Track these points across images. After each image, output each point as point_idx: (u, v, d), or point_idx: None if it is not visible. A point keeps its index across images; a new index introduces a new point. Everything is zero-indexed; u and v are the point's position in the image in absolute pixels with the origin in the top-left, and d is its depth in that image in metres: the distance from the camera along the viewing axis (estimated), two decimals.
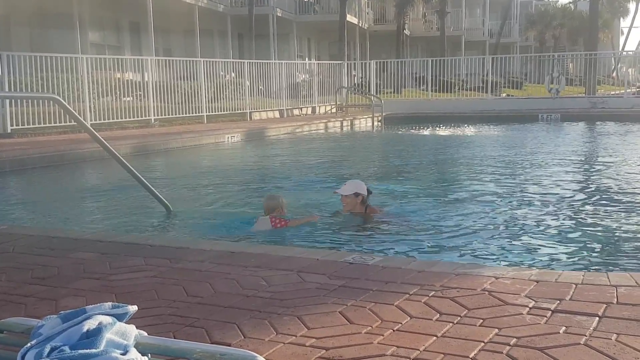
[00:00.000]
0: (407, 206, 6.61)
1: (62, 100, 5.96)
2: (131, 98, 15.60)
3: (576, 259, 4.56)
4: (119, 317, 1.30)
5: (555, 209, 6.29)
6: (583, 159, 11.27)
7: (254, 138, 14.99)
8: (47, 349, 1.18)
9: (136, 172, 5.79)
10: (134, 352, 1.20)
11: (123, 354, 1.17)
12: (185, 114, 16.83)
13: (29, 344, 1.23)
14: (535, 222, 5.71)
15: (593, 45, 28.12)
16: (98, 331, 1.21)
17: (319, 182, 8.75)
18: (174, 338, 2.46)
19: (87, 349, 1.16)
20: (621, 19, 59.02)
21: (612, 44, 55.76)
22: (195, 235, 5.47)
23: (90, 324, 1.23)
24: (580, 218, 5.95)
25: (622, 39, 64.12)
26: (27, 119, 12.72)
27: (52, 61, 13.48)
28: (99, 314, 1.28)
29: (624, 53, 41.08)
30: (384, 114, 19.87)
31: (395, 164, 11.05)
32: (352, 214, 5.79)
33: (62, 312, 1.33)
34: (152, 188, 5.89)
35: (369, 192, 5.79)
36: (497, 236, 5.22)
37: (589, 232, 5.34)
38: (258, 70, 19.83)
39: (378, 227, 5.57)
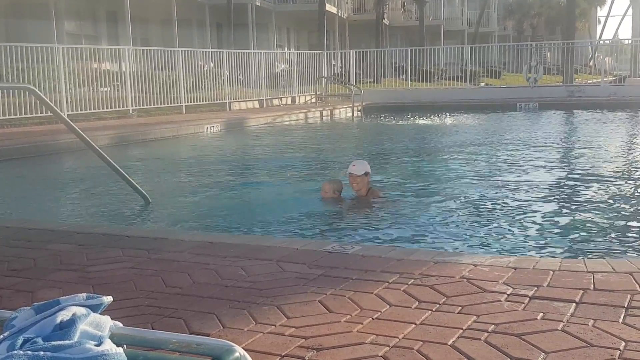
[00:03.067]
0: (386, 194, 6.62)
1: (38, 91, 5.87)
2: (108, 88, 15.43)
3: (553, 246, 4.60)
4: (94, 308, 1.28)
5: (533, 196, 6.34)
6: (560, 147, 11.37)
7: (234, 128, 14.92)
8: (19, 341, 1.16)
9: (114, 163, 5.73)
10: (108, 343, 1.18)
11: (97, 345, 1.15)
12: (164, 104, 16.69)
13: (1, 336, 1.21)
14: (513, 209, 5.76)
15: (570, 34, 28.33)
16: (72, 322, 1.19)
17: (299, 171, 8.74)
18: (152, 329, 2.44)
19: (60, 340, 1.14)
20: (598, 8, 59.50)
21: (589, 33, 56.23)
22: (174, 226, 5.44)
23: (63, 315, 1.21)
24: (558, 205, 6.01)
25: (599, 28, 64.68)
26: (3, 110, 12.53)
27: (28, 51, 13.29)
28: (73, 305, 1.26)
29: (601, 42, 41.40)
30: (363, 104, 19.88)
31: (374, 153, 11.06)
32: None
33: (35, 303, 1.31)
34: (130, 179, 5.84)
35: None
36: (475, 224, 5.26)
37: (566, 219, 5.40)
38: (237, 60, 19.71)
39: (358, 214, 5.58)
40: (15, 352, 1.12)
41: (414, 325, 2.45)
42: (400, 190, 7.05)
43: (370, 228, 5.15)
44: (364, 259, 3.36)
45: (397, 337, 2.35)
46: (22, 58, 13.17)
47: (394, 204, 5.96)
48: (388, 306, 2.67)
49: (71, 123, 5.72)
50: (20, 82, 12.39)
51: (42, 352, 1.11)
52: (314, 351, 2.26)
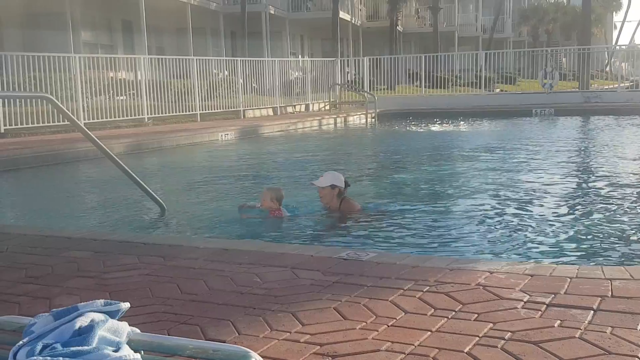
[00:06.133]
0: (401, 201, 6.61)
1: (55, 100, 5.93)
2: (124, 97, 15.56)
3: (571, 252, 4.57)
4: (112, 314, 1.30)
5: (549, 203, 6.30)
6: (577, 153, 11.29)
7: (248, 136, 14.97)
8: (39, 347, 1.17)
9: (130, 171, 5.77)
10: (126, 349, 1.19)
11: (115, 351, 1.16)
12: (179, 112, 16.80)
13: (20, 342, 1.22)
14: (529, 216, 5.72)
15: (586, 39, 28.17)
16: (90, 328, 1.20)
17: (312, 178, 8.73)
18: (168, 335, 2.45)
19: (79, 346, 1.16)
20: (614, 13, 59.16)
21: (605, 39, 55.90)
22: (189, 233, 5.46)
23: (82, 321, 1.23)
24: (575, 212, 5.96)
25: (615, 33, 64.33)
26: (21, 118, 12.67)
27: (45, 61, 13.44)
28: (91, 311, 1.28)
29: (617, 47, 41.14)
30: (377, 111, 19.88)
31: (389, 160, 11.05)
32: (327, 210, 5.73)
33: (54, 309, 1.32)
34: (146, 187, 5.87)
35: (347, 184, 5.71)
36: (491, 231, 5.23)
37: (583, 226, 5.35)
38: (251, 68, 19.80)
39: (371, 223, 5.57)
40: (35, 357, 1.13)
41: (429, 333, 2.44)
42: (414, 196, 7.03)
43: (384, 235, 5.14)
44: (379, 266, 3.36)
45: (413, 345, 2.34)
46: (39, 67, 13.32)
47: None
48: (403, 313, 2.66)
49: (88, 131, 5.77)
50: (38, 91, 12.52)
51: (61, 358, 1.12)
52: (329, 358, 2.25)
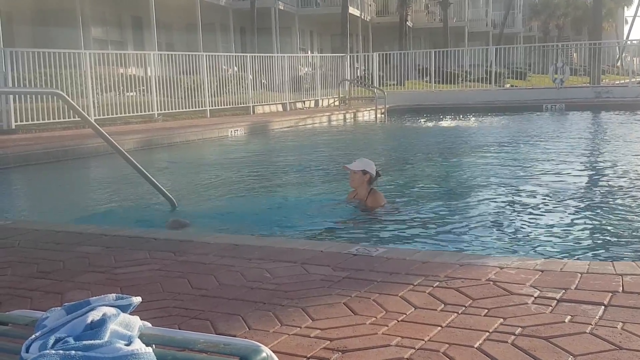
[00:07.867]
0: (411, 197, 6.61)
1: (66, 96, 5.96)
2: (134, 93, 15.60)
3: (581, 248, 4.55)
4: (123, 309, 1.30)
5: (560, 198, 6.28)
6: (588, 148, 11.23)
7: (257, 132, 14.98)
8: (51, 341, 1.18)
9: (140, 167, 5.79)
10: (138, 343, 1.20)
11: (127, 345, 1.17)
12: (188, 108, 16.83)
13: (33, 336, 1.23)
14: (540, 211, 5.70)
15: (597, 34, 27.99)
16: (102, 322, 1.21)
17: (322, 174, 8.75)
18: (179, 330, 2.46)
19: (91, 339, 1.17)
20: (625, 7, 58.70)
21: (616, 33, 55.45)
22: (199, 229, 5.47)
23: (94, 315, 1.24)
24: (585, 207, 5.94)
25: (626, 28, 63.80)
26: (32, 114, 12.73)
27: (55, 57, 13.49)
28: (103, 305, 1.29)
29: (629, 42, 40.79)
30: (387, 106, 19.83)
31: (398, 156, 11.04)
32: (352, 202, 5.78)
33: (66, 304, 1.33)
34: (157, 182, 5.89)
35: (378, 174, 5.77)
36: (501, 226, 5.22)
37: (594, 221, 5.33)
38: (260, 64, 19.81)
39: (381, 218, 5.57)
40: (47, 351, 1.14)
41: (439, 328, 2.44)
42: (424, 191, 7.02)
43: (395, 231, 5.14)
44: (389, 261, 3.36)
45: (423, 340, 2.34)
46: (49, 64, 13.37)
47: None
48: (413, 308, 2.66)
49: (98, 127, 5.79)
50: (49, 87, 12.57)
51: (73, 351, 1.13)
52: (339, 353, 2.26)
